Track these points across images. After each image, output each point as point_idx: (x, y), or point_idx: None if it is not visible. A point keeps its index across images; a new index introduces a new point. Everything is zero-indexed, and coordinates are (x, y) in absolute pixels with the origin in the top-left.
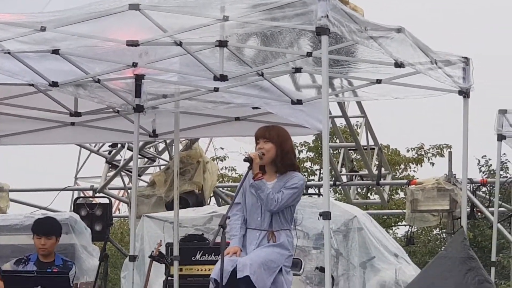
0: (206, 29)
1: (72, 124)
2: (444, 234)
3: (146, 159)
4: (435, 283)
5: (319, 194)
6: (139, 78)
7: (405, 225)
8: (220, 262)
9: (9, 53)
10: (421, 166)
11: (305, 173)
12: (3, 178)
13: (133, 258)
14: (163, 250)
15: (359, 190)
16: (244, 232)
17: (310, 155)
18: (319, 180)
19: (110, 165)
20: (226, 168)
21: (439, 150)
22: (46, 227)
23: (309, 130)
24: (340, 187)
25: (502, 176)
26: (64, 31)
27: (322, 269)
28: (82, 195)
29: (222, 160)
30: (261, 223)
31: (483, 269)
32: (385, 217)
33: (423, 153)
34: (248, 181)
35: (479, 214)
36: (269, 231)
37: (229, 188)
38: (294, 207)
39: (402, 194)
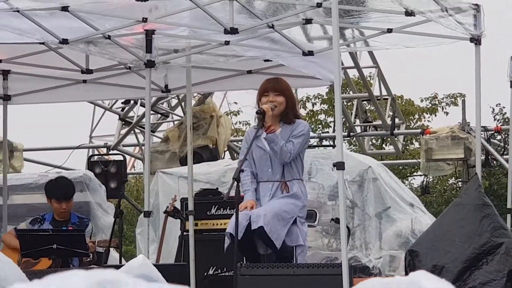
0: None
1: (84, 81)
2: (460, 183)
3: (159, 115)
4: (451, 230)
5: (333, 146)
6: (149, 34)
7: (420, 175)
8: (235, 215)
9: (18, 11)
10: (435, 115)
11: (319, 126)
12: (17, 137)
13: (148, 214)
14: (178, 205)
15: (373, 140)
16: (256, 186)
17: (324, 108)
18: (333, 132)
19: (123, 122)
20: (240, 122)
21: (453, 99)
22: (65, 191)
23: (321, 82)
24: (354, 138)
25: None
26: None
27: (337, 221)
28: (96, 153)
29: (236, 115)
30: (272, 174)
31: (498, 216)
32: (400, 167)
33: (436, 102)
34: (252, 135)
35: (494, 162)
36: (281, 181)
37: None
38: (303, 154)
39: (416, 144)
